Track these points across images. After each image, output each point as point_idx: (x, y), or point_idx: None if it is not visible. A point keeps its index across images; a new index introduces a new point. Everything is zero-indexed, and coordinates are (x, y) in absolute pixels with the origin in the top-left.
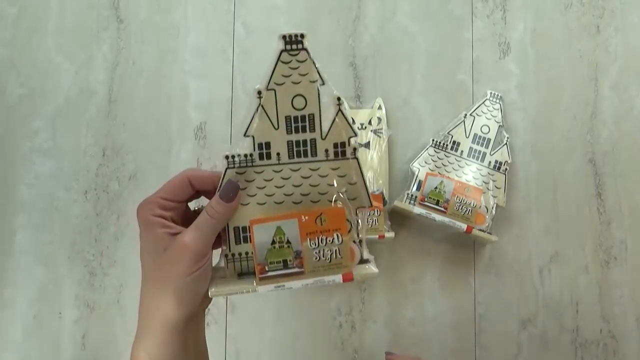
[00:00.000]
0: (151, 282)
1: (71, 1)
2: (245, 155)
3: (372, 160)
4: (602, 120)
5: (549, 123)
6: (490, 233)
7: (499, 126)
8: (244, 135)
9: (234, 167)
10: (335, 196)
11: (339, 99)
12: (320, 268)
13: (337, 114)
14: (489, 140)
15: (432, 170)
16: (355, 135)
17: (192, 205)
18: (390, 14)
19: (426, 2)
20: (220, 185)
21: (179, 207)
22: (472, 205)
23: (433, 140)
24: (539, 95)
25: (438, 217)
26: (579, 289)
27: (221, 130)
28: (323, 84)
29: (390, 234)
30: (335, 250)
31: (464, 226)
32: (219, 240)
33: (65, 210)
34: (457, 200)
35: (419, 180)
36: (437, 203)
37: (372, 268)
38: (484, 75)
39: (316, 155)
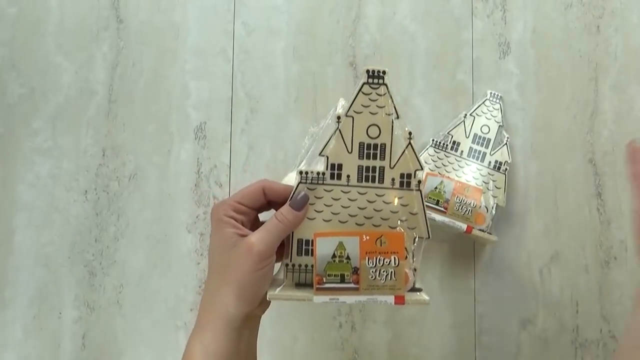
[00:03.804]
0: (216, 277)
1: (71, 1)
2: (318, 173)
3: None
4: (602, 120)
5: (549, 123)
6: (490, 233)
7: (499, 126)
8: (320, 154)
9: (306, 183)
10: (396, 223)
11: (410, 133)
12: (374, 287)
13: (407, 147)
14: (489, 140)
15: (432, 170)
16: (422, 169)
17: (262, 217)
18: (390, 14)
19: (426, 2)
20: (292, 196)
21: (250, 213)
22: (472, 205)
23: (433, 140)
24: (539, 95)
25: (438, 217)
26: (579, 289)
27: (221, 130)
28: (397, 117)
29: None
30: (391, 272)
31: (464, 226)
32: (282, 252)
33: (65, 210)
34: (457, 200)
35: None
36: (437, 203)
37: (424, 296)
38: (484, 75)
39: (383, 182)
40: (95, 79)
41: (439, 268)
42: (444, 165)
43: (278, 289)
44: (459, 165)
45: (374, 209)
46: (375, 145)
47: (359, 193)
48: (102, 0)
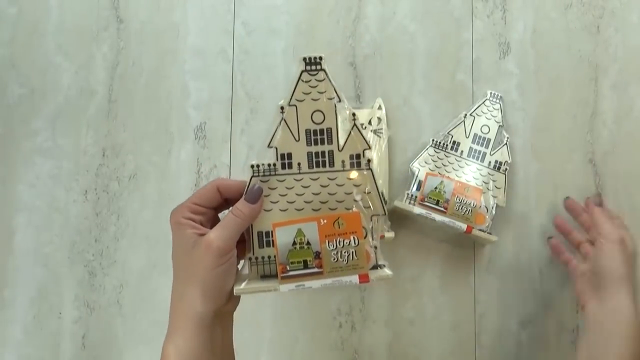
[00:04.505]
0: (180, 278)
1: (71, 1)
2: (269, 165)
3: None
4: (602, 120)
5: (549, 123)
6: (490, 233)
7: (499, 126)
8: (268, 146)
9: (258, 175)
10: (351, 204)
11: (354, 114)
12: (338, 269)
13: (352, 129)
14: (489, 140)
15: (432, 170)
16: (369, 148)
17: (222, 216)
18: (390, 14)
19: (426, 2)
20: (246, 191)
21: (208, 212)
22: (472, 205)
23: (433, 140)
24: (539, 95)
25: (438, 217)
26: None
27: (221, 130)
28: (340, 101)
29: (390, 234)
30: (352, 252)
31: (464, 226)
32: (244, 248)
33: (65, 210)
34: (457, 201)
35: (419, 180)
36: (437, 203)
37: (386, 271)
38: (484, 75)
39: (334, 166)
40: (95, 79)
41: (439, 268)
42: (444, 165)
43: (244, 283)
44: (459, 165)
45: (328, 193)
46: (322, 131)
47: (311, 179)
48: (102, 0)
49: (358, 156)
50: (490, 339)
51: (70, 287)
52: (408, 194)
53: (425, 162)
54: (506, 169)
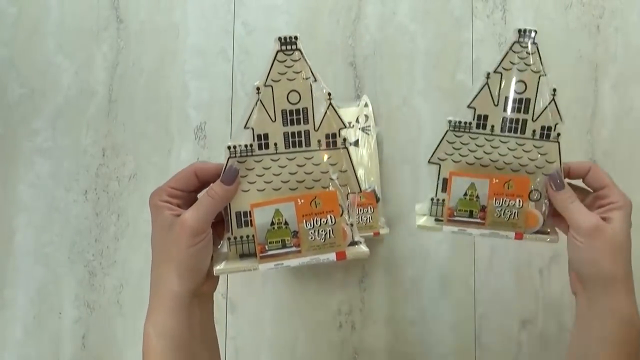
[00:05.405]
0: (157, 259)
1: (71, 1)
2: (246, 146)
3: (362, 157)
4: (602, 120)
5: None
6: (548, 232)
7: (540, 77)
8: (244, 127)
9: (235, 157)
10: (327, 182)
11: (329, 94)
12: (315, 247)
13: (328, 108)
14: (529, 100)
15: (456, 162)
16: (345, 126)
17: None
18: (390, 14)
19: (426, 2)
20: (223, 172)
21: (186, 196)
22: (517, 205)
23: (450, 121)
24: None
25: (476, 232)
26: None
27: (221, 130)
28: (315, 80)
29: (385, 230)
30: (329, 231)
31: (512, 234)
32: (222, 229)
33: (65, 210)
34: (497, 205)
35: (443, 179)
36: (471, 214)
37: (363, 248)
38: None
39: (310, 145)
40: (95, 79)
41: (438, 267)
42: (472, 152)
43: (223, 263)
44: (492, 147)
45: (305, 172)
46: (298, 111)
47: (288, 159)
48: (102, 0)
49: (334, 135)
50: (490, 339)
51: (70, 287)
52: (433, 199)
53: (447, 154)
54: (558, 134)
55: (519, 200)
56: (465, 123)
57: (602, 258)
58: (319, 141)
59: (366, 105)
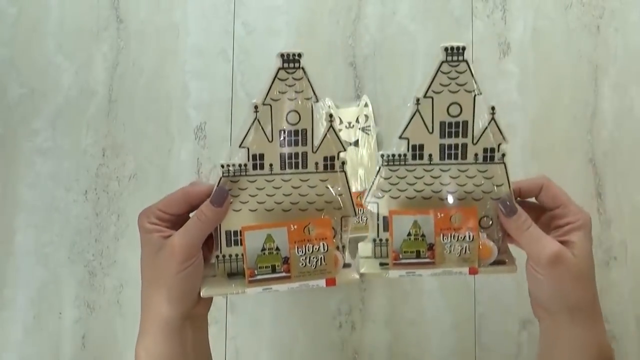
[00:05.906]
0: (147, 282)
1: (71, 1)
2: (240, 165)
3: (362, 158)
4: (602, 120)
5: (549, 123)
6: (505, 261)
7: (474, 96)
8: (239, 146)
9: (228, 176)
10: (322, 205)
11: (330, 116)
12: (305, 273)
13: (328, 130)
14: (466, 123)
15: (395, 198)
16: (344, 150)
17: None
18: (390, 14)
19: (426, 2)
20: (213, 192)
21: (175, 218)
22: (468, 239)
23: (382, 155)
24: (539, 95)
25: (426, 273)
26: None
27: (221, 130)
28: (317, 101)
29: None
30: (321, 258)
31: (466, 270)
32: (212, 246)
33: (65, 210)
34: (445, 241)
35: (384, 217)
36: (419, 255)
37: (353, 275)
38: (484, 75)
39: (306, 167)
40: (95, 79)
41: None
42: (411, 185)
43: (212, 283)
44: (432, 177)
45: (300, 194)
46: (297, 132)
47: (283, 180)
48: (102, 0)
49: (332, 158)
50: (490, 339)
51: (70, 287)
52: (375, 240)
53: (383, 191)
54: (503, 155)
55: (469, 234)
56: (400, 155)
57: (566, 288)
58: (316, 164)
59: (366, 105)
